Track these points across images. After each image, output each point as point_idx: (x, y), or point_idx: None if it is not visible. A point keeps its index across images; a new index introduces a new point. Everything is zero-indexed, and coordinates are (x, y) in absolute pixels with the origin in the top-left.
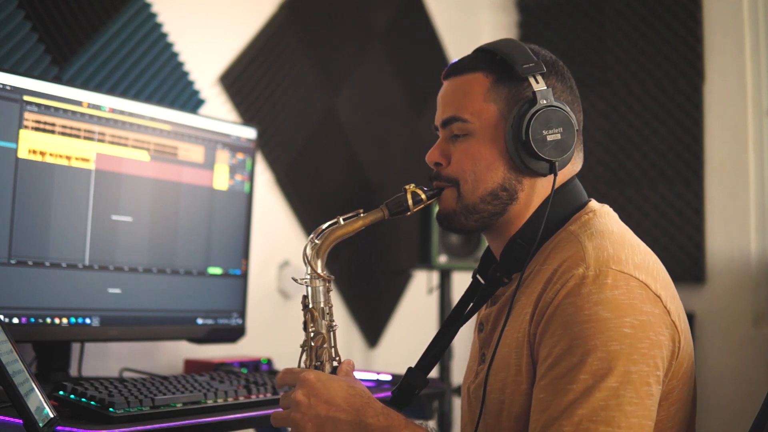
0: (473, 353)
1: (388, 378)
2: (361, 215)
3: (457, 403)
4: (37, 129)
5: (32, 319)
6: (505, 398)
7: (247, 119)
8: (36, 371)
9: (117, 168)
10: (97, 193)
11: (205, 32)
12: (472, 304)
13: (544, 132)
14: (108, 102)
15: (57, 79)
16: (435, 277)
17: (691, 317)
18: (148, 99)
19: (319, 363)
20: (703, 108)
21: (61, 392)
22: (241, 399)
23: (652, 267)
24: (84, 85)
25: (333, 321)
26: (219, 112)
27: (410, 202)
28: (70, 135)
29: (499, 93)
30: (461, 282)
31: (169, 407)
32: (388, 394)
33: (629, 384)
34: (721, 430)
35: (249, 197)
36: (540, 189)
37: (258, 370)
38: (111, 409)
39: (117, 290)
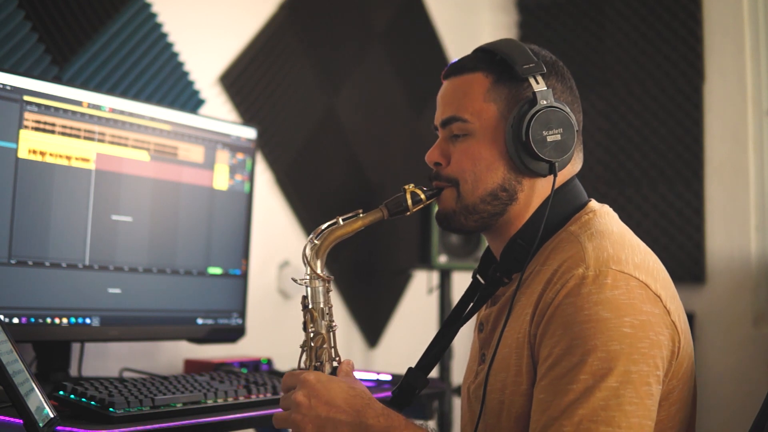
0: (473, 353)
1: (388, 378)
2: (361, 215)
3: (457, 403)
4: (37, 129)
5: (32, 319)
6: (505, 398)
7: (247, 119)
8: (36, 371)
9: (117, 168)
10: (97, 193)
11: (205, 32)
12: (472, 304)
13: (544, 133)
14: (108, 102)
15: (57, 79)
16: (435, 277)
17: (691, 317)
18: (148, 99)
19: (319, 363)
20: (703, 108)
21: (61, 392)
22: (241, 399)
23: (652, 267)
24: (84, 85)
25: (333, 321)
26: (219, 112)
27: (409, 202)
28: (70, 135)
29: (499, 93)
30: (461, 282)
31: (169, 407)
32: (388, 394)
33: (629, 384)
34: (721, 430)
35: (249, 197)
36: (540, 189)
37: (258, 370)
38: (111, 409)
39: (117, 290)
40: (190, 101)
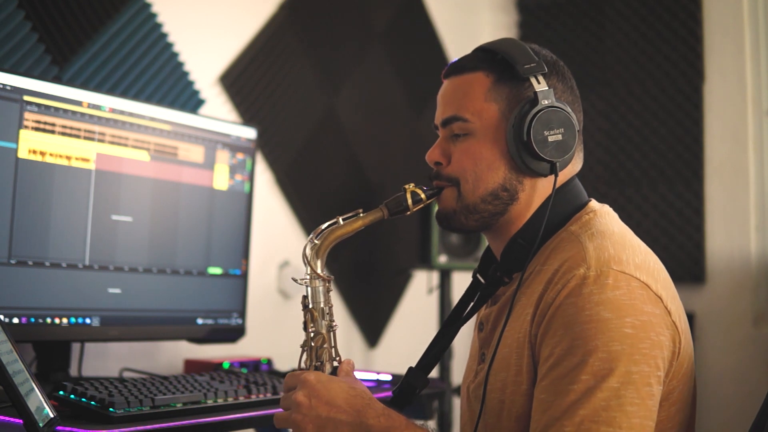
0: (473, 353)
1: (388, 378)
2: (361, 215)
3: (457, 403)
4: (37, 129)
5: (32, 319)
6: (506, 398)
7: (247, 119)
8: (36, 371)
9: (117, 168)
10: (97, 193)
11: (205, 32)
12: (472, 303)
13: (546, 133)
14: (108, 102)
15: (57, 79)
16: (435, 277)
17: (691, 317)
18: (148, 99)
19: (319, 363)
20: (703, 108)
21: (61, 392)
22: (241, 399)
23: (653, 267)
24: (84, 85)
25: (333, 321)
26: (219, 112)
27: (410, 201)
28: (70, 135)
29: (500, 93)
30: (461, 282)
31: (169, 407)
32: (389, 394)
33: (630, 384)
34: (721, 430)
35: (249, 197)
36: (541, 189)
37: (258, 370)
38: (111, 409)
39: (117, 290)
40: (190, 101)
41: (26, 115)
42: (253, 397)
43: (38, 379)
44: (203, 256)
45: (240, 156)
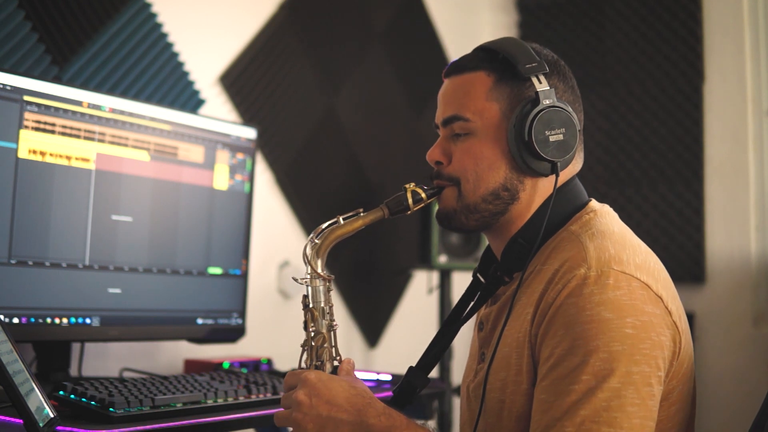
0: (473, 352)
1: (388, 378)
2: (361, 214)
3: (457, 402)
4: (37, 129)
5: (32, 319)
6: (506, 398)
7: (247, 119)
8: (36, 371)
9: (117, 168)
10: (97, 193)
11: (205, 32)
12: (472, 303)
13: (547, 132)
14: (108, 102)
15: (57, 79)
16: (435, 277)
17: (691, 317)
18: (148, 99)
19: (319, 362)
20: (703, 108)
21: (61, 392)
22: (241, 399)
23: (653, 267)
24: (84, 85)
25: (333, 320)
26: (219, 112)
27: (410, 200)
28: (70, 135)
29: (501, 92)
30: (461, 282)
31: (169, 407)
32: (389, 394)
33: (631, 384)
34: (721, 430)
35: (249, 197)
36: (541, 189)
37: (258, 370)
38: (111, 409)
39: (117, 290)
40: (190, 101)
41: (26, 115)
42: (253, 397)
43: (38, 379)
44: (203, 256)
45: (240, 156)
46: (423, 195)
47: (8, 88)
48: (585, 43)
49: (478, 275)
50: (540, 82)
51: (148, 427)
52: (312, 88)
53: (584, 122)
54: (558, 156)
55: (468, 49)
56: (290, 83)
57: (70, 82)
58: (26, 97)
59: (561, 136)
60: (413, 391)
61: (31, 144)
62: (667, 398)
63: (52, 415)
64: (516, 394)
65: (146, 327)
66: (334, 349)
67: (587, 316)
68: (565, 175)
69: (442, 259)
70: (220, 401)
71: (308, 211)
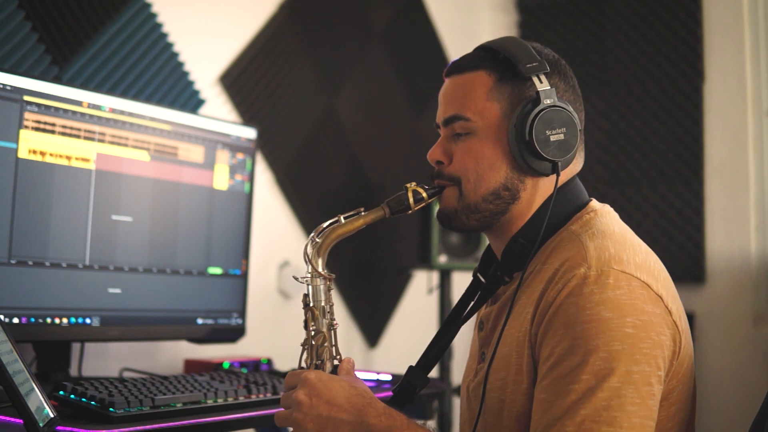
0: (473, 352)
1: (388, 378)
2: (362, 214)
3: (457, 402)
4: (37, 129)
5: (32, 319)
6: (506, 397)
7: (247, 119)
8: (36, 371)
9: (117, 168)
10: (97, 193)
11: (205, 32)
12: (472, 302)
13: (548, 132)
14: (108, 102)
15: (57, 79)
16: (435, 277)
17: (691, 317)
18: (148, 99)
19: (319, 362)
20: (703, 108)
21: (61, 392)
22: (241, 399)
23: (653, 267)
24: (84, 85)
25: (334, 319)
26: (219, 112)
27: (411, 200)
28: (70, 135)
29: (502, 92)
30: (461, 282)
31: (169, 407)
32: (389, 394)
33: (631, 384)
34: (721, 430)
35: (249, 197)
36: (542, 188)
37: (258, 370)
38: (111, 409)
39: (117, 290)
40: (190, 101)
41: (26, 115)
42: (253, 397)
43: (38, 379)
44: (203, 256)
45: (240, 156)
46: (424, 194)
47: (8, 88)
48: (585, 43)
49: (479, 275)
50: (541, 82)
51: (148, 427)
52: (312, 88)
53: (584, 122)
54: (559, 156)
55: (468, 49)
56: (290, 83)
57: (70, 82)
58: (26, 97)
59: (562, 136)
60: (413, 390)
61: (31, 144)
62: (667, 398)
63: (52, 415)
64: (516, 394)
65: (146, 327)
66: (334, 348)
67: (587, 315)
68: (566, 174)
69: (442, 259)
70: (220, 401)
71: (308, 211)
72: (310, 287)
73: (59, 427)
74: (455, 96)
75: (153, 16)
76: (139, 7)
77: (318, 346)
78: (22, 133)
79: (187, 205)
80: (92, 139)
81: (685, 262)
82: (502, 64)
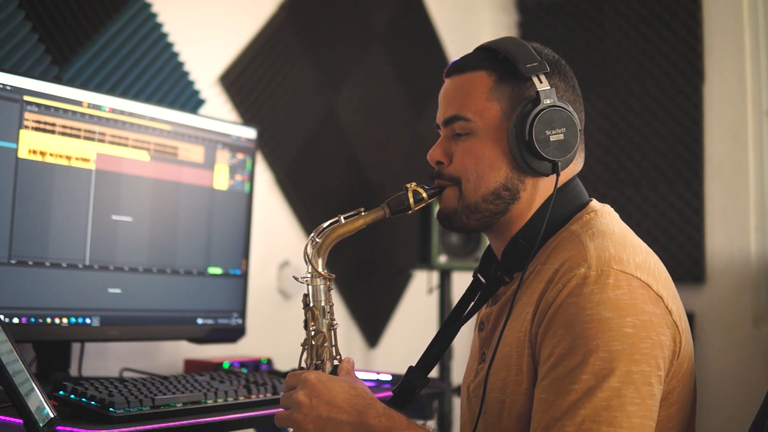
0: (473, 352)
1: (388, 378)
2: (362, 214)
3: (457, 402)
4: (37, 129)
5: (32, 319)
6: (506, 397)
7: (247, 119)
8: (36, 371)
9: (117, 168)
10: (97, 193)
11: (205, 32)
12: (472, 303)
13: (548, 132)
14: (108, 102)
15: (57, 79)
16: (435, 277)
17: (691, 317)
18: (148, 99)
19: (319, 362)
20: (703, 108)
21: (61, 392)
22: (241, 399)
23: (654, 267)
24: (84, 85)
25: (334, 320)
26: (219, 112)
27: (411, 200)
28: (70, 135)
29: (502, 92)
30: (461, 282)
31: (169, 407)
32: (389, 394)
33: (631, 384)
34: (721, 430)
35: (249, 197)
36: (542, 188)
37: (258, 370)
38: (111, 409)
39: (117, 290)
40: (190, 101)
41: (26, 115)
42: (253, 397)
43: (38, 379)
44: (203, 256)
45: (240, 156)
46: (424, 195)
47: (8, 88)
48: (585, 43)
49: (479, 275)
50: (541, 82)
51: (148, 427)
52: (312, 88)
53: (584, 122)
54: (559, 155)
55: (468, 49)
56: (290, 83)
57: (70, 82)
58: (26, 97)
59: (562, 136)
60: (413, 391)
61: (31, 144)
62: (667, 398)
63: (52, 415)
64: (516, 394)
65: (146, 327)
66: (334, 349)
67: (587, 315)
68: (566, 174)
69: (442, 259)
70: (220, 401)
71: (308, 211)
72: (310, 287)
73: (59, 427)
74: (455, 96)
75: (153, 16)
76: (139, 7)
77: (318, 346)
78: (22, 133)
79: (187, 205)
80: (92, 139)
81: (685, 262)
82: (502, 65)
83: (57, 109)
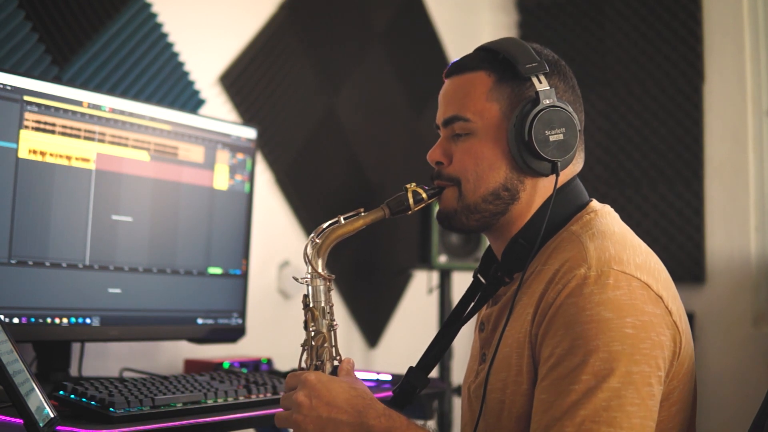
0: (474, 353)
1: (388, 378)
2: (362, 214)
3: (457, 403)
4: (37, 129)
5: (32, 319)
6: (506, 398)
7: (247, 119)
8: (36, 371)
9: (117, 168)
10: (97, 193)
11: (205, 32)
12: (472, 303)
13: (547, 132)
14: (108, 102)
15: (57, 79)
16: (435, 277)
17: (691, 317)
18: (148, 99)
19: (319, 362)
20: (703, 108)
21: (61, 392)
22: (241, 399)
23: (654, 267)
24: (84, 85)
25: (334, 320)
26: (219, 112)
27: (411, 201)
28: (70, 135)
29: (502, 92)
30: (461, 282)
31: (169, 407)
32: (389, 394)
33: (631, 384)
34: (721, 430)
35: (249, 197)
36: (542, 189)
37: (258, 370)
38: (111, 409)
39: (117, 290)
40: (190, 101)
41: (26, 115)
42: (253, 397)
43: (38, 379)
44: (203, 256)
45: (240, 156)
46: (424, 195)
47: (8, 88)
48: (585, 43)
49: (479, 276)
50: (540, 82)
51: (148, 427)
52: (312, 88)
53: (584, 122)
54: (558, 156)
55: (468, 49)
56: (290, 83)
57: (70, 82)
58: (26, 97)
59: (561, 136)
60: (413, 391)
61: (31, 144)
62: (667, 398)
63: (52, 415)
64: (516, 395)
65: (146, 327)
66: (334, 349)
67: (587, 315)
68: (566, 175)
69: (442, 259)
70: (220, 401)
71: (308, 211)
72: (310, 288)
73: (59, 427)
74: (455, 97)
75: (153, 16)
76: (139, 7)
77: (318, 346)
78: (23, 133)
79: (187, 205)
80: (92, 139)
81: (685, 262)
82: (501, 65)
83: (57, 109)
